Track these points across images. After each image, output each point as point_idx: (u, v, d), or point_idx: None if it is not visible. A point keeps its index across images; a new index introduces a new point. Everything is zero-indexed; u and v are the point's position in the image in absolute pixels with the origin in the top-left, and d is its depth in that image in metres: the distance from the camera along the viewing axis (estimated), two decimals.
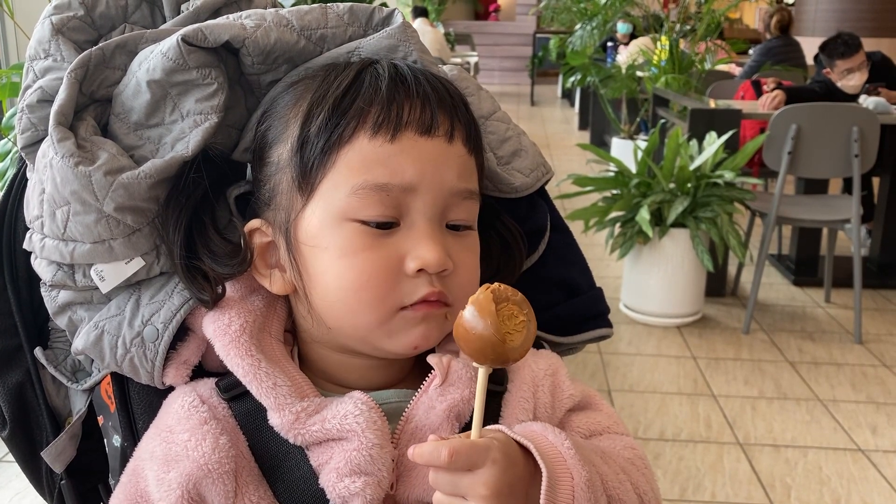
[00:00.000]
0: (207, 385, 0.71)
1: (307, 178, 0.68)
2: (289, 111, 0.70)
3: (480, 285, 0.78)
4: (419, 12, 9.12)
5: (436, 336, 0.70)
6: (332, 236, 0.67)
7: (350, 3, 0.76)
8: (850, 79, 4.07)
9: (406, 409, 0.69)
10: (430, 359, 0.71)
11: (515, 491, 0.61)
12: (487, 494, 0.59)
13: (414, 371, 0.75)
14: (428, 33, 8.51)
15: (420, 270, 0.67)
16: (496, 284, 0.62)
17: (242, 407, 0.69)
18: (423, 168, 0.67)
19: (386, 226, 0.67)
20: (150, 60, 0.69)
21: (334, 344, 0.72)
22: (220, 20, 0.72)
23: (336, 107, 0.68)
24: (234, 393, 0.70)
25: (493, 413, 0.70)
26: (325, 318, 0.70)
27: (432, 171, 0.68)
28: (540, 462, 0.62)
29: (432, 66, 0.76)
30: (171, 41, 0.68)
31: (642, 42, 6.76)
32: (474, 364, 0.62)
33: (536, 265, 0.83)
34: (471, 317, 0.60)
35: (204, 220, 0.72)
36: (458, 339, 0.62)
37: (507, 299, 0.61)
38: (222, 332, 0.69)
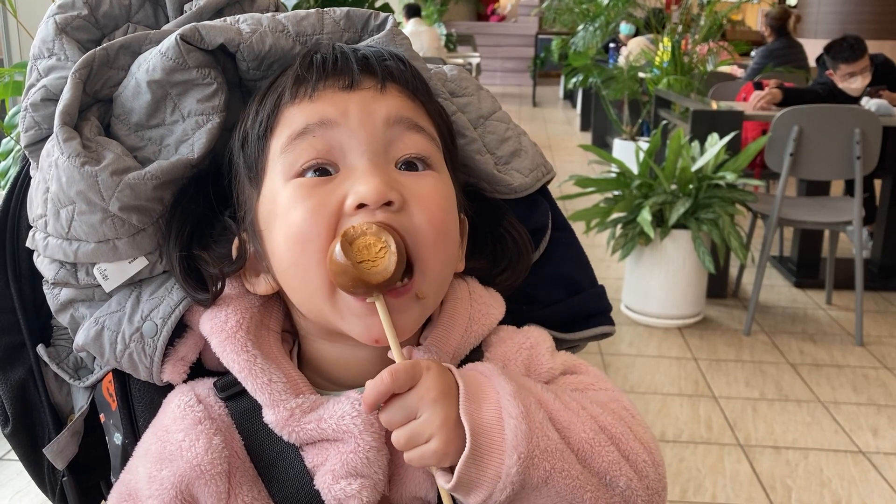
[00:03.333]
0: (205, 385, 0.72)
1: (253, 169, 0.70)
2: (237, 124, 0.73)
3: (488, 285, 0.78)
4: (412, 12, 9.06)
5: (404, 324, 0.67)
6: (279, 203, 0.67)
7: (347, 9, 0.76)
8: (852, 82, 4.08)
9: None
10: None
11: (454, 394, 0.63)
12: (436, 395, 0.61)
13: None
14: (424, 34, 8.48)
15: (362, 206, 0.64)
16: (349, 227, 0.64)
17: (238, 406, 0.70)
18: (345, 108, 0.67)
19: (324, 172, 0.66)
20: (150, 61, 0.70)
21: (320, 332, 0.72)
22: (217, 22, 0.72)
23: (262, 98, 0.70)
24: (230, 392, 0.70)
25: None
26: (291, 297, 0.70)
27: (358, 109, 0.67)
28: (457, 377, 0.63)
29: (423, 73, 0.76)
30: (170, 41, 0.69)
31: (642, 41, 6.76)
32: (367, 300, 0.64)
33: (538, 263, 0.83)
34: (332, 253, 0.63)
35: (203, 231, 0.72)
36: (331, 277, 0.64)
37: (364, 233, 0.64)
38: (219, 328, 0.70)
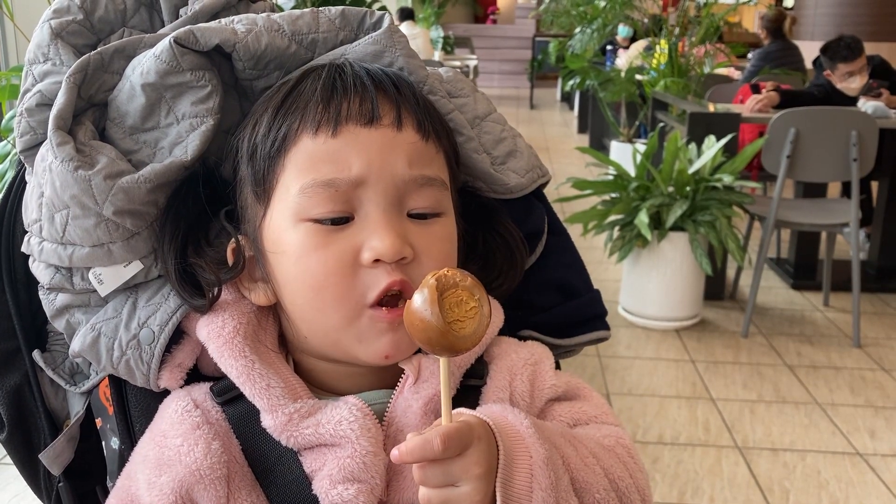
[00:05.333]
0: (202, 389, 0.71)
1: (261, 185, 0.69)
2: (246, 125, 0.72)
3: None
4: (404, 15, 9.10)
5: (408, 343, 0.68)
6: (289, 240, 0.68)
7: (342, 7, 0.76)
8: (850, 81, 4.09)
9: (386, 413, 0.69)
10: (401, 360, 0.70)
11: (495, 467, 0.61)
12: (481, 472, 0.59)
13: (403, 375, 0.75)
14: (417, 37, 8.51)
15: (377, 261, 0.65)
16: (444, 270, 0.59)
17: (236, 411, 0.70)
18: (369, 158, 0.67)
19: (339, 221, 0.67)
20: (144, 64, 0.70)
21: (316, 353, 0.72)
22: (212, 24, 0.72)
23: (276, 111, 0.69)
24: (227, 396, 0.70)
25: (471, 407, 0.68)
26: (299, 325, 0.70)
27: (379, 161, 0.67)
28: (498, 438, 0.62)
29: (419, 71, 0.76)
30: (164, 44, 0.69)
31: (642, 45, 6.77)
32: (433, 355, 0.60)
33: (534, 267, 0.84)
34: (418, 304, 0.57)
35: (198, 234, 0.72)
36: (407, 326, 0.59)
37: (456, 285, 0.58)
38: (216, 334, 0.70)
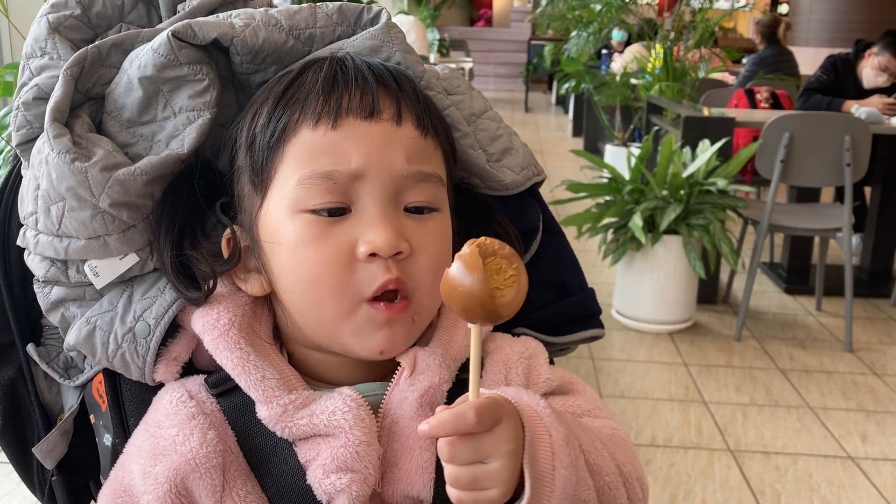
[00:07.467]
0: (196, 381, 0.72)
1: (259, 175, 0.70)
2: (245, 114, 0.72)
3: None
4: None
5: (402, 340, 0.69)
6: (285, 230, 0.68)
7: (339, 3, 0.76)
8: (879, 76, 4.11)
9: (381, 405, 0.69)
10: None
11: (522, 444, 0.60)
12: (512, 448, 0.59)
13: (398, 367, 0.75)
14: (410, 32, 8.48)
15: (374, 255, 0.66)
16: (482, 238, 0.58)
17: (231, 402, 0.70)
18: (368, 152, 0.67)
19: (336, 212, 0.67)
20: (142, 58, 0.70)
21: (311, 344, 0.72)
22: (210, 18, 0.73)
23: (277, 102, 0.69)
24: (222, 388, 0.70)
25: None
26: (294, 316, 0.71)
27: (378, 155, 0.67)
28: (523, 419, 0.62)
29: (416, 66, 0.76)
30: (162, 38, 0.69)
31: (636, 49, 6.79)
32: (468, 324, 0.59)
33: (529, 266, 0.83)
34: (457, 272, 0.57)
35: (193, 227, 0.73)
36: (445, 296, 0.58)
37: (495, 253, 0.58)
38: (211, 326, 0.70)
